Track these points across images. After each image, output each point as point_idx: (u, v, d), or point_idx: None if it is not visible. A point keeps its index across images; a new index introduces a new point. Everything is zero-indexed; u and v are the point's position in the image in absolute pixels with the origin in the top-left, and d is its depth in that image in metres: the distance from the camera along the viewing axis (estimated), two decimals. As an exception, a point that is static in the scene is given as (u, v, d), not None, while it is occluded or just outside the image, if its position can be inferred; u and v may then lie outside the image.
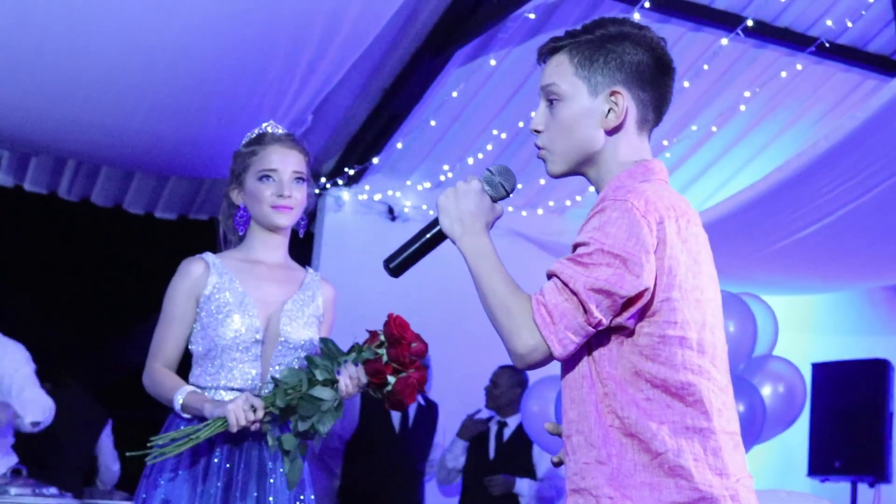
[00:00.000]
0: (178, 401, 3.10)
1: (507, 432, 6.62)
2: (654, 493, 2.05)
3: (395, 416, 6.67)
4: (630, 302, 2.04)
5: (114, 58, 5.25)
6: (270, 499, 3.14)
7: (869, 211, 5.42)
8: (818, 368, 6.87)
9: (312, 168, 7.31)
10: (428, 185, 7.40)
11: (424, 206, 7.41)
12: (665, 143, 6.98)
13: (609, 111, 2.19)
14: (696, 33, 6.59)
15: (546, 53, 2.26)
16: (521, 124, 6.95)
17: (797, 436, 6.75)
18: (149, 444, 3.10)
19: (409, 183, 7.41)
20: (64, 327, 7.23)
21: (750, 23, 6.29)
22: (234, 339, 3.17)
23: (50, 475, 5.74)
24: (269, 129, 3.35)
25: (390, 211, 7.40)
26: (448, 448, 6.73)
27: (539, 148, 2.27)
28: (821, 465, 6.67)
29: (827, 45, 6.55)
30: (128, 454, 3.17)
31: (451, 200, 2.20)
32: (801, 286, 7.11)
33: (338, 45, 5.48)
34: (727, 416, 2.12)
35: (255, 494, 3.13)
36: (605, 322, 2.04)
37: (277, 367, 3.20)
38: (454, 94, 6.69)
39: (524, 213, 7.55)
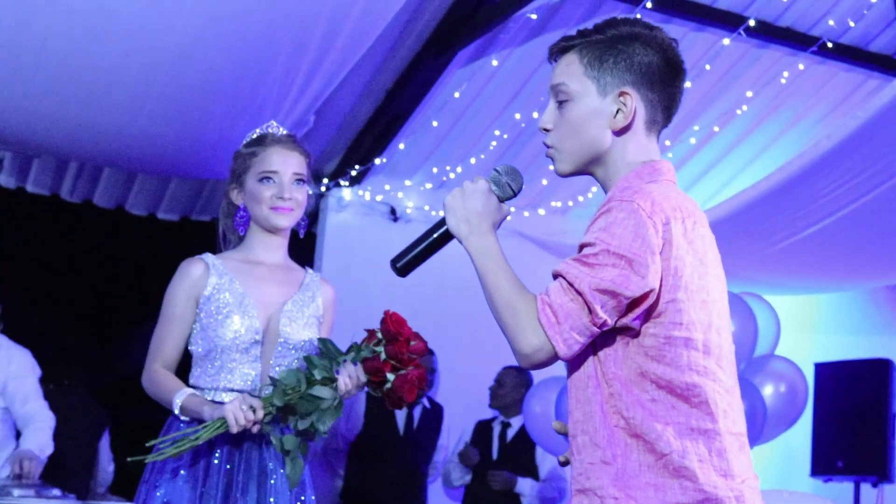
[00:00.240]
0: (177, 403, 3.10)
1: (511, 433, 6.62)
2: (659, 493, 2.05)
3: (400, 418, 6.68)
4: (635, 303, 2.04)
5: (115, 59, 5.25)
6: (271, 500, 3.13)
7: (871, 210, 5.42)
8: (821, 368, 6.87)
9: (314, 168, 7.36)
10: (430, 185, 7.40)
11: (426, 207, 7.41)
12: (667, 143, 6.97)
13: (617, 112, 2.19)
14: (698, 33, 6.59)
15: (557, 52, 2.26)
16: (523, 125, 6.95)
17: (800, 436, 6.74)
18: (147, 446, 3.10)
19: (410, 183, 7.41)
20: (66, 328, 7.23)
21: (752, 23, 6.28)
22: (233, 339, 3.17)
23: (52, 477, 5.75)
24: (270, 131, 3.35)
25: (392, 211, 7.40)
26: (452, 472, 6.72)
27: (547, 146, 2.27)
28: (824, 465, 6.66)
29: (829, 44, 6.55)
30: (129, 459, 3.16)
31: (458, 200, 2.20)
32: (804, 286, 7.11)
33: (340, 46, 5.48)
34: (733, 418, 2.12)
35: (256, 495, 3.12)
36: (611, 322, 2.04)
37: (277, 369, 3.20)
38: (456, 94, 6.69)
39: (526, 214, 7.54)
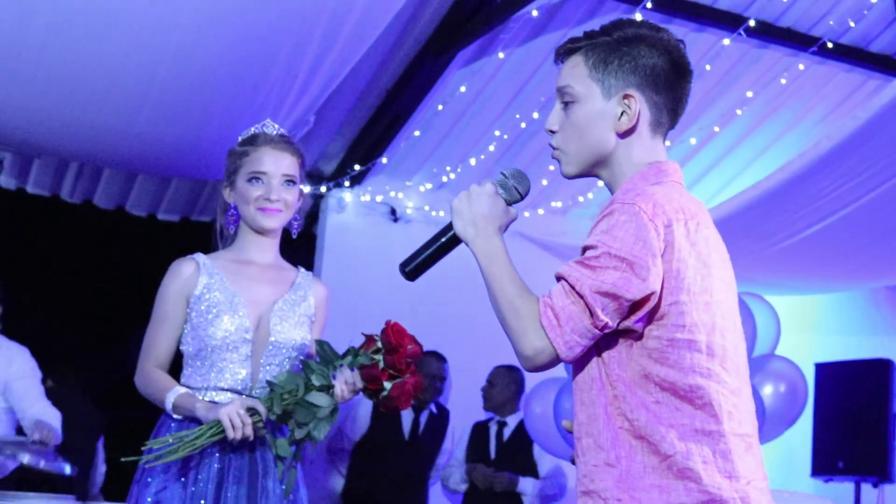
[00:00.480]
0: (170, 401, 3.10)
1: (507, 431, 6.62)
2: (663, 495, 2.05)
3: (406, 422, 6.69)
4: (637, 305, 2.05)
5: (116, 60, 5.25)
6: (262, 501, 3.12)
7: (872, 210, 5.42)
8: (821, 368, 6.87)
9: (315, 169, 7.37)
10: (430, 186, 7.40)
11: (427, 207, 7.41)
12: (668, 143, 6.95)
13: (622, 114, 2.20)
14: (698, 33, 6.59)
15: (563, 54, 2.27)
16: (523, 125, 6.95)
17: (801, 436, 6.74)
18: (143, 448, 3.09)
19: (411, 184, 7.41)
20: (66, 329, 7.23)
21: (752, 23, 6.28)
22: (223, 338, 3.16)
23: (53, 477, 5.74)
24: (264, 130, 3.33)
25: (392, 212, 7.40)
26: (450, 472, 6.72)
27: (553, 148, 2.28)
28: (824, 465, 6.66)
29: (829, 45, 6.54)
30: (123, 459, 3.16)
31: (465, 203, 2.21)
32: (804, 286, 7.11)
33: (340, 46, 5.48)
34: (739, 419, 2.12)
35: (247, 495, 3.11)
36: (612, 325, 2.05)
37: (268, 368, 3.19)
38: (457, 94, 6.69)
39: (526, 214, 7.54)
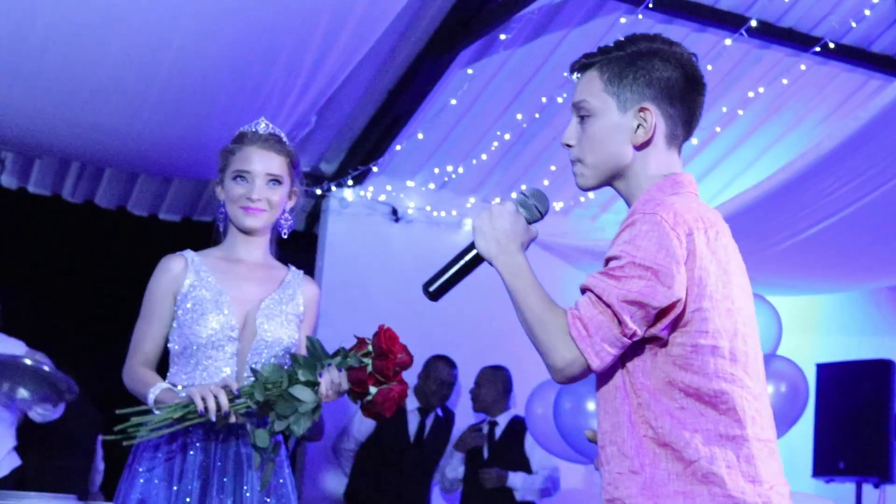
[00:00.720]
0: (152, 396, 3.09)
1: (498, 430, 6.66)
2: (688, 501, 2.08)
3: (412, 424, 6.72)
4: (663, 313, 2.09)
5: (117, 60, 5.25)
6: (247, 494, 3.11)
7: (873, 211, 5.41)
8: (823, 369, 6.86)
9: (316, 169, 7.37)
10: (432, 186, 7.40)
11: (428, 207, 7.41)
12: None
13: (638, 127, 2.24)
14: (699, 34, 6.59)
15: (578, 70, 2.32)
16: (524, 125, 6.95)
17: (801, 437, 6.73)
18: (116, 430, 3.05)
19: (412, 184, 7.42)
20: (67, 329, 7.22)
21: (754, 23, 6.28)
22: (209, 337, 3.16)
23: (53, 477, 5.74)
24: (254, 129, 3.32)
25: (394, 212, 7.40)
26: (446, 460, 6.74)
27: (572, 162, 2.31)
28: (825, 465, 6.65)
29: (831, 45, 6.54)
30: (104, 437, 3.12)
31: (487, 222, 2.25)
32: (806, 286, 7.11)
33: (342, 46, 5.48)
34: (761, 424, 2.16)
35: (233, 491, 3.10)
36: (640, 333, 2.09)
37: (254, 367, 3.18)
38: (458, 94, 6.69)
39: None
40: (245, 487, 3.11)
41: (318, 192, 7.29)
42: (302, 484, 7.04)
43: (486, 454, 6.62)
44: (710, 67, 6.55)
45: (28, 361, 5.04)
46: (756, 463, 2.11)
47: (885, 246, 5.90)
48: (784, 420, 5.98)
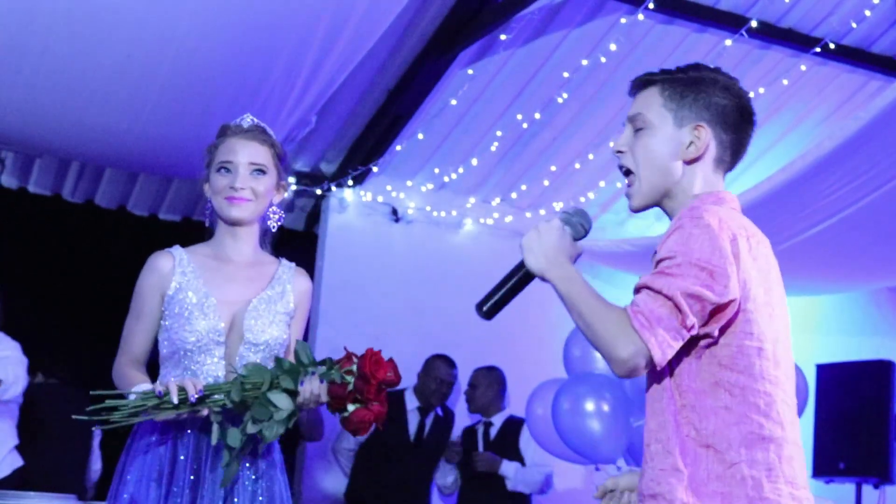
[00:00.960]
0: (133, 396, 3.06)
1: (494, 431, 6.67)
2: (726, 501, 2.14)
3: (412, 424, 6.72)
4: (717, 310, 2.15)
5: (117, 60, 5.25)
6: (236, 500, 3.09)
7: (873, 211, 5.41)
8: (823, 369, 6.86)
9: (316, 169, 7.36)
10: (431, 186, 7.40)
11: (428, 208, 7.41)
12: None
13: (690, 143, 2.32)
14: (700, 34, 6.59)
15: (638, 86, 2.40)
16: (524, 125, 6.95)
17: (801, 437, 6.73)
18: (92, 395, 3.02)
19: (412, 184, 7.41)
20: (66, 328, 7.22)
21: (754, 24, 6.28)
22: (195, 342, 3.12)
23: (53, 477, 5.74)
24: (237, 122, 3.31)
25: (394, 212, 7.40)
26: (438, 471, 6.75)
27: (624, 175, 2.38)
28: (825, 466, 6.65)
29: (831, 46, 6.54)
30: (73, 416, 3.06)
31: (535, 239, 2.32)
32: (806, 287, 7.10)
33: (342, 47, 5.48)
34: (795, 429, 2.24)
35: (223, 491, 3.08)
36: (697, 326, 2.14)
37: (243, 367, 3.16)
38: (458, 95, 6.69)
39: (528, 215, 7.54)
40: (235, 486, 3.10)
41: (318, 192, 7.29)
42: (302, 484, 7.04)
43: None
44: (710, 68, 6.55)
45: None
46: (794, 465, 2.19)
47: (885, 246, 5.89)
48: (784, 420, 5.98)
